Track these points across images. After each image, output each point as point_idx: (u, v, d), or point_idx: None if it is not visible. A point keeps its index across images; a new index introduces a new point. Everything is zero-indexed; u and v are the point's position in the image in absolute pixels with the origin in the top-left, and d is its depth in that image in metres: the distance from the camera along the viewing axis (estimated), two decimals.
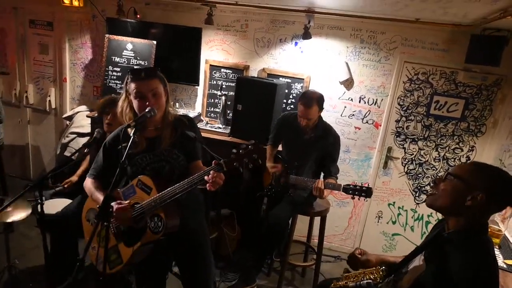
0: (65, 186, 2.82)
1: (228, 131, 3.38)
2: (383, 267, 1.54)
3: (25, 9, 4.07)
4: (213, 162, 1.57)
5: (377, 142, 3.43)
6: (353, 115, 3.43)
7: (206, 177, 1.56)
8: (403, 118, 3.34)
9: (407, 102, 3.30)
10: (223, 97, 3.51)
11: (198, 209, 1.96)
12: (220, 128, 3.47)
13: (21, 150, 4.51)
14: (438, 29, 3.04)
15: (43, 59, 4.16)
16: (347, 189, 2.39)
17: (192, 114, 3.61)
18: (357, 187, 2.36)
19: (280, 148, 3.04)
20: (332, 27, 3.32)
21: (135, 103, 1.72)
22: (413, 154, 3.38)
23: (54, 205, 2.87)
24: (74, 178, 2.87)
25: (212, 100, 3.71)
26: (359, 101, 3.40)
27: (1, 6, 4.11)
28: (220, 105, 3.58)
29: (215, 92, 3.67)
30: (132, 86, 1.70)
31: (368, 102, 3.38)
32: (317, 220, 3.03)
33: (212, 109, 3.73)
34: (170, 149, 1.79)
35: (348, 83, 3.38)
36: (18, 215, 2.37)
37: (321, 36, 3.35)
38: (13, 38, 4.18)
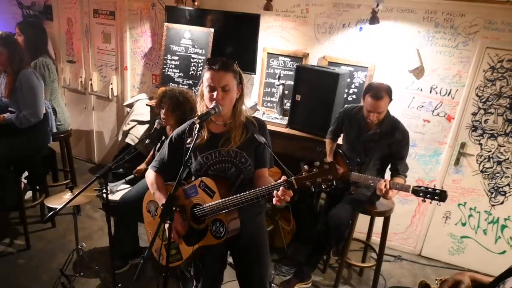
0: (136, 174, 2.90)
1: (285, 121, 3.27)
2: None
3: None
4: (282, 177, 1.48)
5: (449, 137, 3.12)
6: (422, 106, 3.15)
7: (274, 192, 1.49)
8: (481, 111, 3.00)
9: (487, 93, 2.95)
10: (281, 87, 3.39)
11: (259, 212, 1.89)
12: (277, 118, 3.37)
13: (87, 135, 4.77)
14: None
15: (106, 48, 4.30)
16: (417, 191, 2.18)
17: (248, 103, 3.54)
18: (429, 189, 2.13)
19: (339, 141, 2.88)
20: (402, 10, 3.03)
21: (205, 93, 1.65)
22: (491, 151, 3.04)
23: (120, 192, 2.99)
24: (143, 165, 2.96)
25: (269, 89, 3.61)
26: (430, 92, 3.10)
27: None
28: (277, 95, 3.47)
29: (272, 81, 3.56)
30: (206, 75, 1.63)
31: (440, 93, 3.07)
32: (378, 219, 2.86)
33: (268, 98, 3.63)
34: (239, 151, 1.71)
35: (418, 72, 3.09)
36: (85, 199, 2.48)
37: (389, 20, 3.07)
38: (78, 28, 4.37)
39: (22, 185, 3.08)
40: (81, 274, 2.59)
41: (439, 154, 3.19)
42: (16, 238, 3.13)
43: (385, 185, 2.30)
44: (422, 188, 2.18)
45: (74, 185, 2.04)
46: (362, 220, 2.89)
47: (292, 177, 1.47)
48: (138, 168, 2.96)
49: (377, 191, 2.36)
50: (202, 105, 1.72)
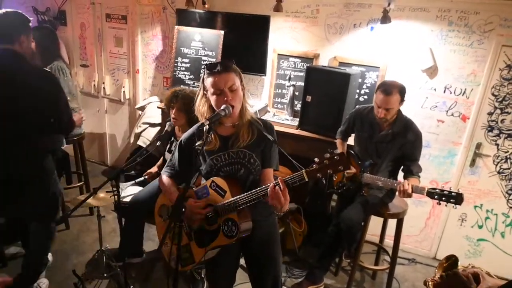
0: (146, 177, 2.92)
1: (295, 123, 3.25)
2: None
3: (102, 4, 4.27)
4: (278, 178, 1.48)
5: (464, 137, 3.05)
6: (436, 106, 3.08)
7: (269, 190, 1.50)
8: (498, 111, 2.92)
9: (503, 92, 2.87)
10: (291, 88, 3.37)
11: (271, 211, 1.88)
12: (287, 120, 3.35)
13: (99, 138, 4.84)
14: None
15: (118, 51, 4.36)
16: (432, 194, 2.13)
17: (258, 104, 3.53)
18: (445, 191, 2.09)
19: (350, 142, 2.85)
20: (414, 9, 2.98)
21: (213, 99, 1.63)
22: (508, 151, 2.96)
23: (127, 193, 3.02)
24: (154, 169, 2.97)
25: (280, 91, 3.59)
26: (444, 91, 3.04)
27: (81, 1, 4.36)
28: (287, 96, 3.45)
29: (283, 82, 3.54)
30: (209, 81, 1.61)
31: (454, 92, 3.01)
32: (391, 221, 2.81)
33: (279, 99, 3.61)
34: (248, 152, 1.70)
35: (432, 71, 3.03)
36: (100, 201, 2.53)
37: (401, 19, 3.02)
38: (91, 32, 4.43)
39: None
40: (104, 275, 2.65)
41: (454, 155, 3.12)
42: None
43: (407, 186, 2.24)
44: (437, 190, 2.14)
45: (97, 188, 2.07)
46: (375, 222, 2.85)
47: (303, 170, 1.45)
48: (148, 171, 2.98)
49: (398, 193, 2.31)
50: (204, 114, 1.70)
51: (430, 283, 1.40)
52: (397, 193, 2.35)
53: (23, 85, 2.07)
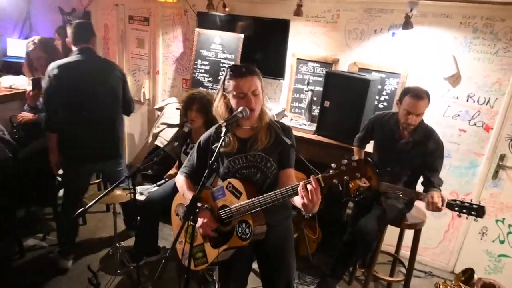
0: (166, 179, 2.96)
1: (313, 128, 3.22)
2: None
3: (125, 6, 4.36)
4: (311, 177, 1.44)
5: (487, 148, 2.96)
6: (458, 115, 3.00)
7: (301, 189, 1.45)
8: None
9: None
10: (310, 92, 3.35)
11: (287, 215, 1.86)
12: (304, 124, 3.32)
13: None
14: None
15: (139, 52, 4.44)
16: (452, 205, 2.07)
17: (276, 109, 3.52)
18: (465, 204, 2.02)
19: (368, 149, 2.80)
20: (437, 15, 2.92)
21: (233, 102, 1.63)
22: None
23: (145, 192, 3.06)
24: (174, 170, 3.00)
25: (298, 95, 3.57)
26: (467, 100, 2.95)
27: (105, 3, 4.47)
28: (305, 101, 3.43)
29: (301, 86, 3.53)
30: (232, 83, 1.61)
31: (478, 101, 2.93)
32: (408, 231, 2.75)
33: (297, 104, 3.59)
34: (265, 157, 1.70)
35: (454, 79, 2.95)
36: (118, 198, 2.57)
37: (424, 25, 2.97)
38: (114, 33, 4.53)
39: (57, 182, 3.20)
40: (118, 271, 2.69)
41: (475, 166, 3.03)
42: (49, 234, 3.26)
43: (437, 198, 2.13)
44: (457, 202, 2.07)
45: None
46: (391, 232, 2.78)
47: (319, 175, 1.43)
48: (168, 173, 3.01)
49: (426, 206, 2.21)
50: (222, 113, 1.70)
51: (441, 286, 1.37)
52: (424, 205, 2.26)
53: (104, 71, 2.72)
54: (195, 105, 2.63)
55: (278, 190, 1.55)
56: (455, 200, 2.07)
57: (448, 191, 3.08)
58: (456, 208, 2.04)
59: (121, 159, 2.98)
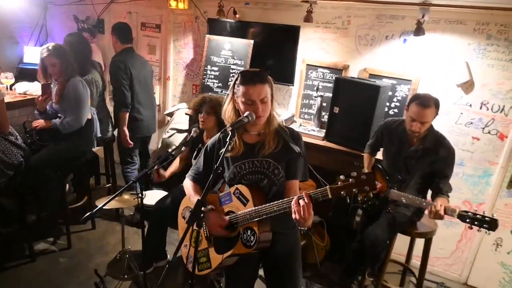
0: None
1: (322, 134, 3.20)
2: None
3: (138, 13, 4.43)
4: (303, 193, 1.44)
5: (501, 157, 2.88)
6: (471, 123, 2.94)
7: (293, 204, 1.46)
8: None
9: None
10: (319, 98, 3.33)
11: (294, 224, 1.84)
12: (313, 130, 3.30)
13: None
14: None
15: (150, 59, 4.48)
16: (464, 217, 2.00)
17: (285, 114, 3.51)
18: (477, 216, 1.94)
19: (378, 155, 2.76)
20: (450, 21, 2.88)
21: (242, 107, 1.63)
22: None
23: (153, 197, 3.07)
24: (175, 168, 3.04)
25: (307, 101, 3.56)
26: (480, 108, 2.89)
27: (118, 11, 4.55)
28: (315, 107, 3.41)
29: (311, 92, 3.51)
30: (242, 89, 1.60)
31: (492, 109, 2.86)
32: (419, 240, 2.68)
33: (306, 110, 3.58)
34: (273, 163, 1.68)
35: (467, 86, 2.90)
36: (125, 203, 2.57)
37: (436, 32, 2.93)
38: None
39: (67, 187, 3.24)
40: (125, 276, 2.69)
41: (489, 175, 2.95)
42: (59, 238, 3.29)
43: (440, 206, 2.11)
44: (469, 213, 2.00)
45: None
46: (401, 241, 2.73)
47: (327, 187, 1.41)
48: (171, 170, 3.02)
49: (429, 214, 2.18)
50: (230, 116, 1.70)
51: None
52: (426, 212, 2.23)
53: (147, 64, 3.67)
54: (205, 107, 2.66)
55: (285, 199, 1.55)
56: (467, 212, 2.00)
57: (461, 200, 3.01)
58: (467, 220, 1.97)
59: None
